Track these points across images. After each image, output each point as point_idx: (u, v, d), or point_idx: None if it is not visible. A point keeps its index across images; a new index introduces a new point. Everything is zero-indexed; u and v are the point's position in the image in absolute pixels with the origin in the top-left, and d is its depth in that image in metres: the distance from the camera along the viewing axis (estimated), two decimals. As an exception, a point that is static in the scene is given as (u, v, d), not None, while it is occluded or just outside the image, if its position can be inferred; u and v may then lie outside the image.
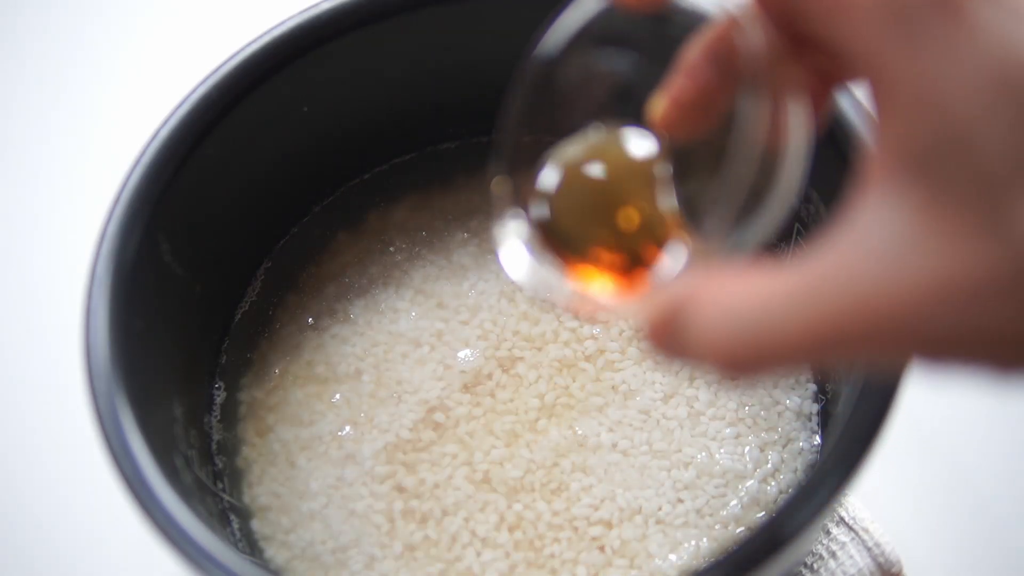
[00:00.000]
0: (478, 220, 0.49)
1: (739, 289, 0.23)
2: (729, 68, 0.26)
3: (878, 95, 0.22)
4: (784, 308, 0.22)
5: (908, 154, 0.21)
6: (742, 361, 0.23)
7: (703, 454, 0.42)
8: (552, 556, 0.41)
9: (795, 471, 0.42)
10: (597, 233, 0.29)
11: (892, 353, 0.22)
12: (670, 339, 0.24)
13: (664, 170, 0.29)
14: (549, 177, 0.29)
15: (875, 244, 0.21)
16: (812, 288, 0.22)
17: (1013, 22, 0.21)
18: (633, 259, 0.28)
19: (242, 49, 0.41)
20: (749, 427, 0.43)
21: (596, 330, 0.45)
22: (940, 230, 0.21)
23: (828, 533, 0.44)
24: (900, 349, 0.22)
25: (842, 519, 0.44)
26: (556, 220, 0.29)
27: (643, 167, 0.29)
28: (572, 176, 0.29)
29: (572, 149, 0.29)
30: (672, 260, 0.27)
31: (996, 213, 0.20)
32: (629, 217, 0.29)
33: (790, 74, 0.25)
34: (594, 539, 0.41)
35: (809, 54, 0.25)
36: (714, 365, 0.23)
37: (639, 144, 0.29)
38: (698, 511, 0.41)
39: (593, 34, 0.28)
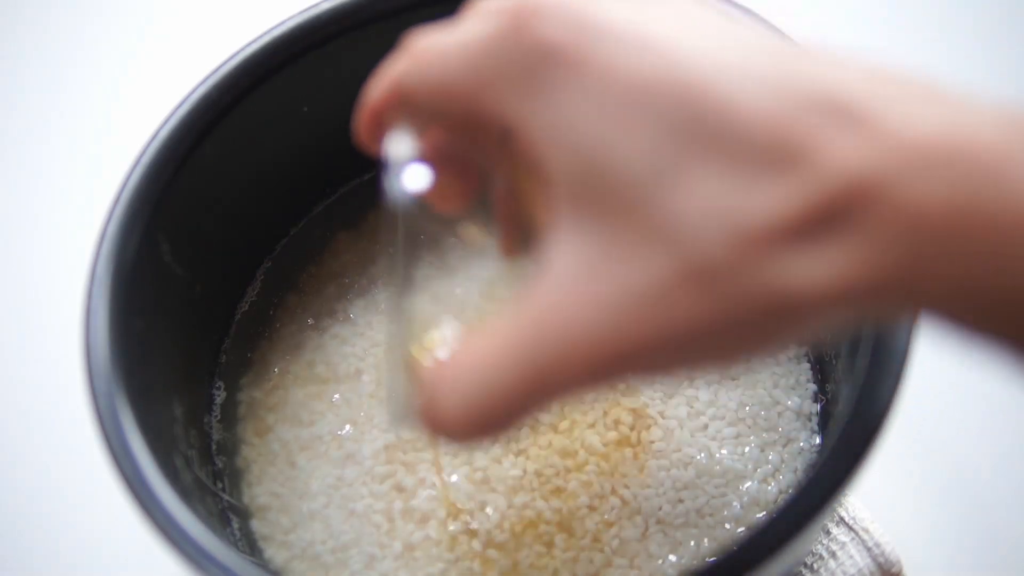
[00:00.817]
0: (478, 220, 0.48)
1: (466, 357, 0.24)
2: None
3: (527, 153, 0.23)
4: (498, 361, 0.23)
5: (567, 195, 0.23)
6: (481, 422, 0.24)
7: (703, 454, 0.42)
8: (551, 556, 0.41)
9: (795, 471, 0.42)
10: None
11: (608, 378, 0.23)
12: (428, 419, 0.25)
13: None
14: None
15: (562, 282, 0.23)
16: (516, 336, 0.23)
17: (633, 52, 0.22)
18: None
19: (242, 49, 0.41)
20: (749, 427, 0.43)
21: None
22: (612, 252, 0.22)
23: (828, 533, 0.44)
24: (611, 373, 0.23)
25: (842, 519, 0.44)
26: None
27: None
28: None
29: None
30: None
31: (651, 220, 0.21)
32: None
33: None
34: (594, 539, 0.41)
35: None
36: (465, 432, 0.24)
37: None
38: (698, 511, 0.41)
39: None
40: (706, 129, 0.21)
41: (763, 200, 0.21)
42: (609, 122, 0.22)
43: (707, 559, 0.40)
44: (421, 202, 0.28)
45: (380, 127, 0.29)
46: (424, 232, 0.28)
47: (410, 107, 0.28)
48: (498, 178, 0.29)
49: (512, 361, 0.23)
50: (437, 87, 0.26)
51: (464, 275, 0.30)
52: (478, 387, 0.24)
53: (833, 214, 0.20)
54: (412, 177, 0.28)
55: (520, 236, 0.30)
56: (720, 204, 0.21)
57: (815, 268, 0.21)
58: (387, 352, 0.28)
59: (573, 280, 0.22)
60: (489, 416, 0.24)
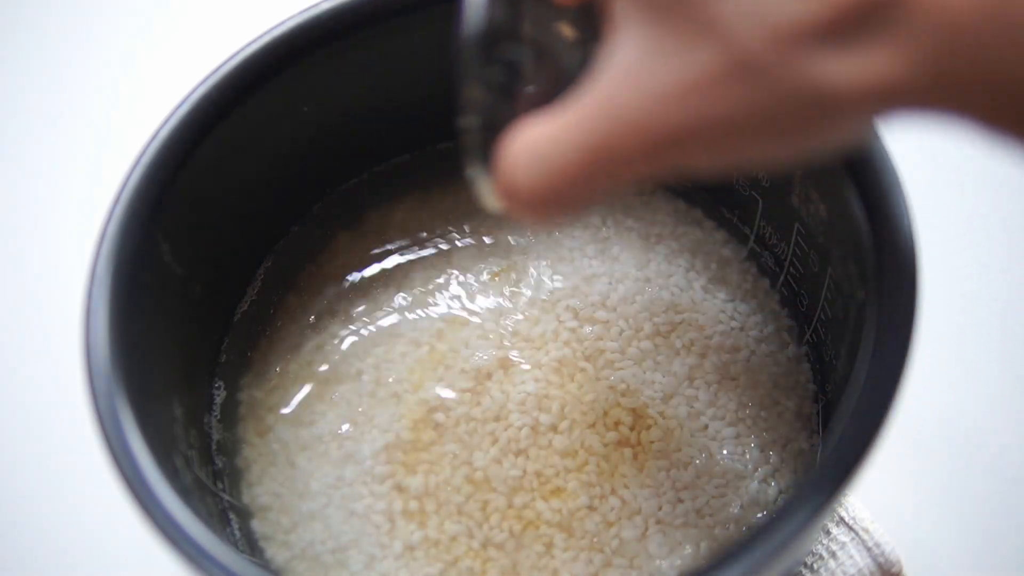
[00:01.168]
0: (478, 220, 0.49)
1: (534, 134, 0.27)
2: None
3: None
4: (563, 138, 0.26)
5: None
6: (546, 196, 0.27)
7: (703, 454, 0.42)
8: (551, 556, 0.41)
9: (795, 471, 0.42)
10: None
11: (661, 159, 0.26)
12: (506, 195, 0.28)
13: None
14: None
15: (622, 70, 0.25)
16: (581, 117, 0.26)
17: None
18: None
19: (242, 49, 0.41)
20: (749, 427, 0.43)
21: (596, 329, 0.45)
22: (665, 46, 0.25)
23: (828, 533, 0.44)
24: (663, 154, 0.25)
25: (842, 519, 0.44)
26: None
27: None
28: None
29: None
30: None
31: (700, 17, 0.24)
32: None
33: None
34: (594, 539, 0.41)
35: None
36: (533, 207, 0.27)
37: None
38: (698, 511, 0.41)
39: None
40: None
41: (803, 2, 0.23)
42: None
43: (707, 560, 0.40)
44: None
45: None
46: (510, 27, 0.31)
47: None
48: None
49: (576, 136, 0.26)
50: None
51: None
52: (547, 159, 0.27)
53: (869, 14, 0.22)
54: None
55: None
56: (763, 5, 0.23)
57: (852, 65, 0.23)
58: (468, 137, 0.31)
59: (631, 70, 0.25)
60: (558, 186, 0.27)
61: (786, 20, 0.23)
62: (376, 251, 0.48)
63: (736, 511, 0.41)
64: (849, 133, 0.25)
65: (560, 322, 0.45)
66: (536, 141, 0.27)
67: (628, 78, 0.25)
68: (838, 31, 0.23)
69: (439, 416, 0.44)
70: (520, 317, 0.46)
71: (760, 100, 0.24)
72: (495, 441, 0.43)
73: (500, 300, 0.46)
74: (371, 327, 0.46)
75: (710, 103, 0.24)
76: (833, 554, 0.44)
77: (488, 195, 0.31)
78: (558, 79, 0.31)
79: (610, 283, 0.46)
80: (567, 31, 0.32)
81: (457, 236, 0.48)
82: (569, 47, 0.32)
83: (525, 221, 0.29)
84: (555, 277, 0.47)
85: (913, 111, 0.24)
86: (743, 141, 0.25)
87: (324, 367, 0.46)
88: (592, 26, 0.30)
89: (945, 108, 0.23)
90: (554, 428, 0.43)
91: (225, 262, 0.46)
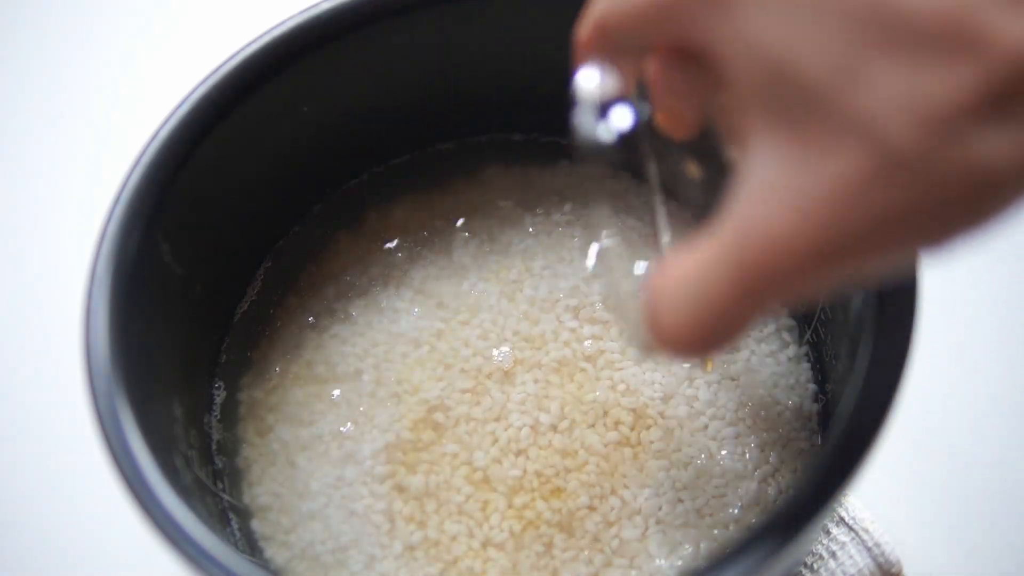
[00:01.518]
0: (478, 220, 0.49)
1: (677, 270, 0.26)
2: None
3: (721, 65, 0.25)
4: (709, 270, 0.25)
5: (758, 105, 0.24)
6: (698, 335, 0.25)
7: (703, 454, 0.42)
8: (551, 556, 0.41)
9: (795, 471, 0.42)
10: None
11: (818, 274, 0.24)
12: (655, 332, 0.27)
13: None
14: None
15: (762, 188, 0.24)
16: (725, 245, 0.24)
17: None
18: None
19: (242, 49, 0.41)
20: (749, 427, 0.43)
21: (596, 329, 0.45)
22: (806, 155, 0.23)
23: (828, 533, 0.44)
24: (820, 268, 0.24)
25: (842, 519, 0.44)
26: None
27: None
28: None
29: None
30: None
31: (839, 117, 0.22)
32: None
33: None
34: (594, 539, 0.41)
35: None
36: (685, 347, 0.26)
37: None
38: (698, 511, 0.41)
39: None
40: (882, 24, 0.22)
41: (947, 84, 0.22)
42: (790, 27, 0.23)
43: (707, 559, 0.40)
44: (638, 133, 0.30)
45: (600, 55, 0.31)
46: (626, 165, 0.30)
47: (612, 40, 0.29)
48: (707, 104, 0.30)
49: (721, 267, 0.24)
50: (632, 13, 0.27)
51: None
52: (692, 297, 0.25)
53: (1017, 89, 0.21)
54: (608, 113, 0.30)
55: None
56: (906, 93, 0.22)
57: (1007, 140, 0.22)
58: (614, 287, 0.31)
59: (770, 185, 0.24)
60: (708, 323, 0.25)
61: (933, 105, 0.22)
62: (376, 251, 0.48)
63: (736, 511, 0.41)
64: (1010, 208, 0.24)
65: (560, 322, 0.45)
66: (677, 277, 0.26)
67: (768, 196, 0.24)
68: (989, 109, 0.22)
69: (439, 416, 0.44)
70: (520, 317, 0.46)
71: (917, 194, 0.22)
72: (495, 441, 0.43)
73: (500, 300, 0.46)
74: (371, 327, 0.46)
75: (864, 204, 0.22)
76: (833, 554, 0.44)
77: (639, 339, 0.29)
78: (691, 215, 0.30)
79: (610, 283, 0.46)
80: (691, 168, 0.31)
81: (457, 236, 0.48)
82: (695, 183, 0.31)
83: (678, 359, 0.28)
84: (555, 277, 0.47)
85: None
86: (905, 239, 0.23)
87: (324, 367, 0.46)
88: (714, 156, 0.30)
89: None
90: (554, 428, 0.43)
91: (225, 262, 0.46)
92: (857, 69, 0.22)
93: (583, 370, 0.44)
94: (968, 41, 0.21)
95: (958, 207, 0.23)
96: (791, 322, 0.45)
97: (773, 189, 0.23)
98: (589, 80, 0.29)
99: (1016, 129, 0.22)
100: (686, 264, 0.26)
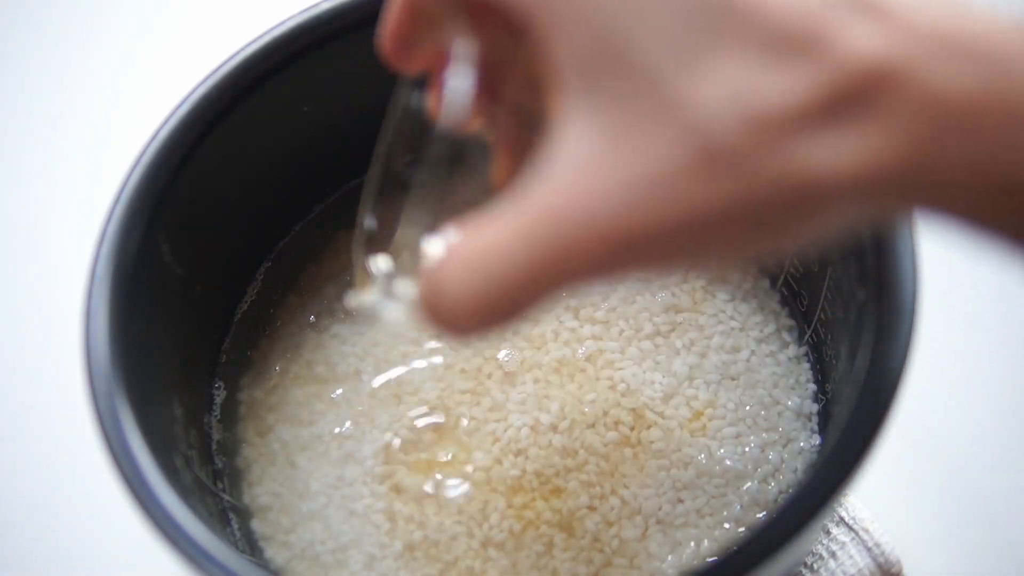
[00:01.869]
0: (478, 220, 0.49)
1: (474, 243, 0.23)
2: None
3: (539, 28, 0.23)
4: (510, 246, 0.23)
5: (579, 73, 0.22)
6: (490, 310, 0.23)
7: (703, 454, 0.42)
8: (551, 556, 0.41)
9: (795, 471, 0.42)
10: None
11: (626, 264, 0.23)
12: (434, 313, 0.24)
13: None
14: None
15: (575, 164, 0.22)
16: (529, 220, 0.22)
17: None
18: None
19: (242, 49, 0.41)
20: (749, 427, 0.43)
21: (596, 329, 0.45)
22: (625, 137, 0.21)
23: (828, 533, 0.44)
24: (628, 258, 0.22)
25: (842, 519, 0.44)
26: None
27: None
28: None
29: None
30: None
31: (667, 104, 0.21)
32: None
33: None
34: (594, 539, 0.41)
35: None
36: (473, 322, 0.24)
37: None
38: (698, 511, 0.41)
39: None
40: (729, 17, 0.21)
41: (781, 86, 0.21)
42: (628, 4, 0.22)
43: (707, 559, 0.40)
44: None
45: (409, 47, 0.29)
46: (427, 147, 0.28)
47: (427, 16, 0.27)
48: (508, 86, 0.28)
49: (521, 246, 0.23)
50: None
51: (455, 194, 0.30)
52: (485, 274, 0.23)
53: (851, 99, 0.20)
54: (459, 107, 0.28)
55: (517, 162, 0.29)
56: (738, 89, 0.21)
57: (833, 153, 0.21)
58: (371, 246, 0.29)
59: (584, 166, 0.22)
60: (496, 304, 0.23)
61: (766, 107, 0.20)
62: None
63: (736, 511, 0.41)
64: (835, 225, 0.22)
65: (560, 322, 0.45)
66: (469, 252, 0.23)
67: (582, 175, 0.22)
68: (820, 116, 0.21)
69: (439, 416, 0.44)
70: (520, 317, 0.46)
71: (736, 193, 0.21)
72: (495, 441, 0.43)
73: (500, 300, 0.46)
74: (371, 327, 0.46)
75: (678, 198, 0.21)
76: (833, 554, 0.44)
77: (394, 315, 0.27)
78: (477, 186, 0.29)
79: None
80: (484, 134, 0.29)
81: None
82: (484, 149, 0.29)
83: (451, 339, 0.26)
84: (555, 277, 0.47)
85: (902, 205, 0.22)
86: (717, 239, 0.22)
87: (324, 367, 0.46)
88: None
89: (932, 202, 0.21)
90: (554, 428, 0.43)
91: (225, 262, 0.46)
92: (693, 57, 0.21)
93: (583, 370, 0.44)
94: (810, 46, 0.21)
95: (780, 214, 0.21)
96: (791, 322, 0.45)
97: (586, 168, 0.22)
98: (460, 79, 0.27)
99: (845, 140, 0.21)
100: (476, 240, 0.24)
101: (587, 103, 0.22)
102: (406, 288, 0.28)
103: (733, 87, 0.21)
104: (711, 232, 0.22)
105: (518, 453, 0.43)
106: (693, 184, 0.21)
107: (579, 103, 0.22)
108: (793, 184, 0.21)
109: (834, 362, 0.41)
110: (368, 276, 0.29)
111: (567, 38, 0.22)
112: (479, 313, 0.23)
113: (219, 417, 0.45)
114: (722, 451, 0.42)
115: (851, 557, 0.43)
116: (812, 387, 0.44)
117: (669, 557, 0.40)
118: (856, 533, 0.44)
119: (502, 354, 0.45)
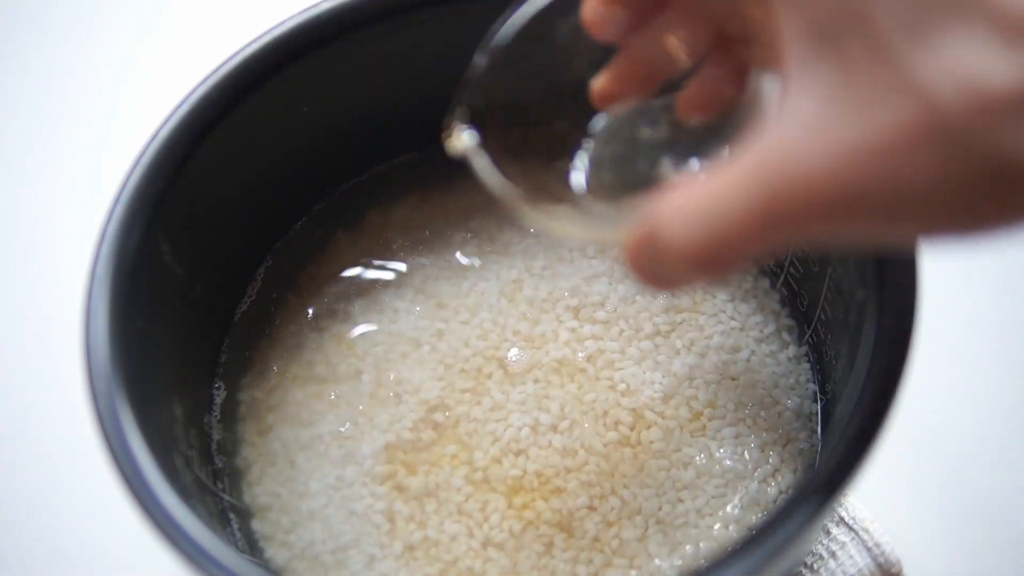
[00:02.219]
0: (478, 220, 0.49)
1: (693, 192, 0.25)
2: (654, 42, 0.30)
3: None
4: (730, 194, 0.24)
5: (812, 36, 0.23)
6: (707, 257, 0.25)
7: (703, 454, 0.42)
8: (551, 556, 0.41)
9: (795, 471, 0.42)
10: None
11: (837, 224, 0.23)
12: (648, 260, 0.26)
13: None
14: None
15: (799, 122, 0.23)
16: (751, 172, 0.24)
17: None
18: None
19: (242, 49, 0.41)
20: (749, 427, 0.43)
21: (596, 329, 0.45)
22: (853, 98, 0.22)
23: (828, 533, 0.44)
24: (841, 218, 0.23)
25: (842, 519, 0.44)
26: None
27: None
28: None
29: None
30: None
31: (898, 73, 0.22)
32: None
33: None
34: (594, 539, 0.41)
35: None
36: (691, 264, 0.25)
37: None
38: (698, 511, 0.41)
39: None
40: None
41: (1006, 69, 0.21)
42: None
43: (707, 559, 0.40)
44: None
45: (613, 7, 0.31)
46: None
47: None
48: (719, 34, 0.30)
49: (744, 193, 0.24)
50: None
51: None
52: (708, 218, 0.24)
53: None
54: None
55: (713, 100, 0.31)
56: (965, 68, 0.21)
57: None
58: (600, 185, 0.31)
59: (811, 124, 0.23)
60: (718, 248, 0.24)
61: (990, 87, 0.21)
62: (376, 251, 0.48)
63: (736, 511, 0.41)
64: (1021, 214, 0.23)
65: (560, 322, 0.45)
66: (695, 198, 0.25)
67: (808, 132, 0.23)
68: None
69: (439, 416, 0.44)
70: (520, 317, 0.46)
71: (951, 169, 0.22)
72: (495, 441, 0.43)
73: (500, 300, 0.46)
74: (371, 327, 0.46)
75: (899, 164, 0.22)
76: (833, 554, 0.44)
77: (595, 232, 0.29)
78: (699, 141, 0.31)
79: (610, 283, 0.46)
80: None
81: (457, 236, 0.48)
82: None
83: (658, 286, 0.27)
84: (555, 277, 0.47)
85: None
86: (927, 210, 0.23)
87: (324, 367, 0.46)
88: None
89: None
90: (554, 428, 0.43)
91: (225, 262, 0.46)
92: (925, 32, 0.22)
93: (583, 370, 0.44)
94: None
95: (983, 195, 0.22)
96: (791, 322, 0.45)
97: (813, 125, 0.23)
98: None
99: None
100: (700, 188, 0.25)
101: (818, 67, 0.23)
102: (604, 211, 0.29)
103: (961, 65, 0.21)
104: (925, 201, 0.22)
105: (518, 453, 0.43)
106: (915, 154, 0.22)
107: (810, 66, 0.23)
108: (997, 166, 0.22)
109: (834, 362, 0.41)
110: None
111: (806, 4, 0.23)
112: (698, 255, 0.25)
113: (219, 417, 0.45)
114: (722, 451, 0.42)
115: (851, 557, 0.43)
116: (812, 387, 0.44)
117: (669, 557, 0.40)
118: (856, 533, 0.44)
119: (511, 354, 0.45)
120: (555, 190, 0.32)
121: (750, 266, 0.46)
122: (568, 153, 0.33)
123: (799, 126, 0.23)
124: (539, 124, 0.33)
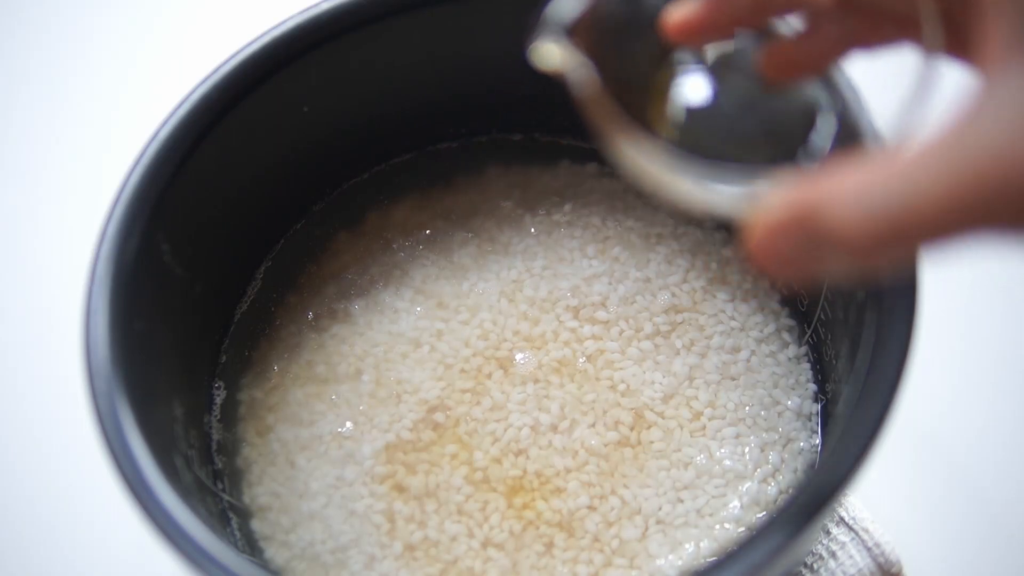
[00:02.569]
0: (479, 220, 0.49)
1: (865, 175, 0.23)
2: None
3: None
4: (924, 174, 0.22)
5: (1018, 30, 0.23)
6: (885, 239, 0.23)
7: (703, 454, 0.42)
8: (551, 556, 0.41)
9: (795, 471, 0.42)
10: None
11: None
12: (794, 243, 0.24)
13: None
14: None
15: (1005, 113, 0.22)
16: (950, 152, 0.22)
17: None
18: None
19: (242, 49, 0.41)
20: (749, 427, 0.43)
21: (596, 329, 0.45)
22: None
23: (828, 533, 0.44)
24: None
25: (842, 519, 0.44)
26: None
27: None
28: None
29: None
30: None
31: None
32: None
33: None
34: (594, 539, 0.41)
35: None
36: (855, 250, 0.23)
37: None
38: (698, 511, 0.41)
39: None
40: None
41: None
42: None
43: (707, 559, 0.40)
44: None
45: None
46: None
47: None
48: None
49: (943, 176, 0.22)
50: None
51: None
52: (896, 198, 0.23)
53: None
54: None
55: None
56: None
57: None
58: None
59: (1014, 114, 0.22)
60: (905, 223, 0.23)
61: None
62: (376, 251, 0.48)
63: (736, 511, 0.41)
64: None
65: (560, 322, 0.45)
66: (866, 183, 0.23)
67: (1008, 119, 0.22)
68: None
69: (439, 416, 0.44)
70: (520, 317, 0.46)
71: None
72: (495, 441, 0.43)
73: (500, 300, 0.46)
74: (371, 327, 0.46)
75: None
76: (833, 554, 0.44)
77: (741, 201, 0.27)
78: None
79: (610, 283, 0.46)
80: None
81: (457, 236, 0.48)
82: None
83: (808, 271, 0.25)
84: (555, 277, 0.47)
85: None
86: None
87: (324, 367, 0.46)
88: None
89: None
90: (554, 428, 0.43)
91: (225, 262, 0.46)
92: None
93: (583, 370, 0.44)
94: None
95: None
96: (791, 322, 0.45)
97: (1017, 120, 0.22)
98: None
99: None
100: (882, 169, 0.23)
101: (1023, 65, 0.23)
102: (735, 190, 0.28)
103: None
104: None
105: (518, 453, 0.43)
106: None
107: (1015, 64, 0.23)
108: None
109: (834, 362, 0.41)
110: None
111: (1014, 4, 0.24)
112: (875, 230, 0.23)
113: (219, 417, 0.45)
114: (722, 451, 0.42)
115: (851, 557, 0.43)
116: (812, 387, 0.44)
117: (669, 557, 0.40)
118: (856, 533, 0.44)
119: (512, 354, 0.45)
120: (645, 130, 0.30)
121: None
122: (659, 95, 0.32)
123: (1003, 114, 0.22)
124: (630, 57, 0.31)
